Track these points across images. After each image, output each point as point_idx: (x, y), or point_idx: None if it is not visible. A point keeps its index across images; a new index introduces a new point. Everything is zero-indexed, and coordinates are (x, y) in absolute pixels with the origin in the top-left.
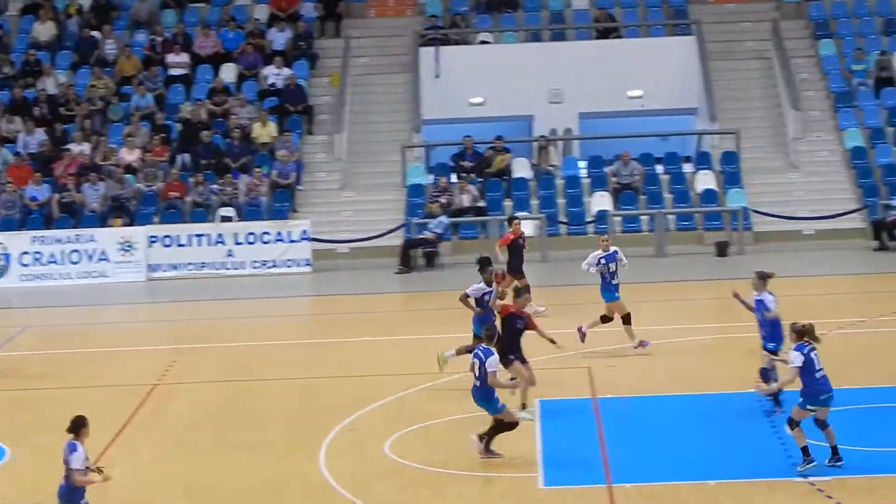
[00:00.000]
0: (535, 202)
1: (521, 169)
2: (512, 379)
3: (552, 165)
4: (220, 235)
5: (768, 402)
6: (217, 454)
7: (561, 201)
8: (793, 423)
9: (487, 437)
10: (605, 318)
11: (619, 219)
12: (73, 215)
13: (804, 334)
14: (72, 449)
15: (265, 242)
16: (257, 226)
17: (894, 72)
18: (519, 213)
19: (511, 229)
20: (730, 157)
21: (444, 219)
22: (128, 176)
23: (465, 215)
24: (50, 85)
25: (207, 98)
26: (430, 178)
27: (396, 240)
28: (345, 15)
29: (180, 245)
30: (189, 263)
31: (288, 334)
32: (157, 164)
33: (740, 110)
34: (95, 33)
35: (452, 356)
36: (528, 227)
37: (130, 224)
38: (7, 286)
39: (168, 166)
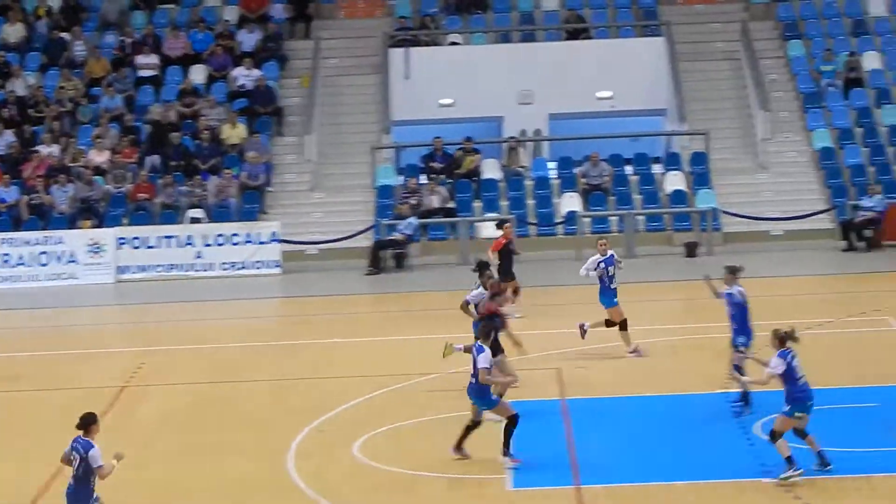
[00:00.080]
0: (504, 203)
1: (491, 170)
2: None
3: (522, 166)
4: (189, 237)
5: (737, 405)
6: (185, 456)
7: (530, 202)
8: (776, 435)
9: (505, 440)
10: (610, 323)
11: (588, 220)
12: (42, 217)
13: (786, 340)
14: (87, 447)
15: (234, 244)
16: (226, 227)
17: (863, 73)
18: (489, 215)
19: (502, 233)
20: (699, 158)
21: (413, 220)
22: (97, 177)
23: (435, 216)
24: (19, 86)
25: (177, 99)
26: (401, 180)
27: (366, 241)
28: (315, 16)
29: (149, 247)
30: (158, 265)
31: (257, 336)
32: (126, 165)
33: (709, 111)
34: (65, 35)
35: (460, 350)
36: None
37: (99, 226)
38: None
39: (137, 168)
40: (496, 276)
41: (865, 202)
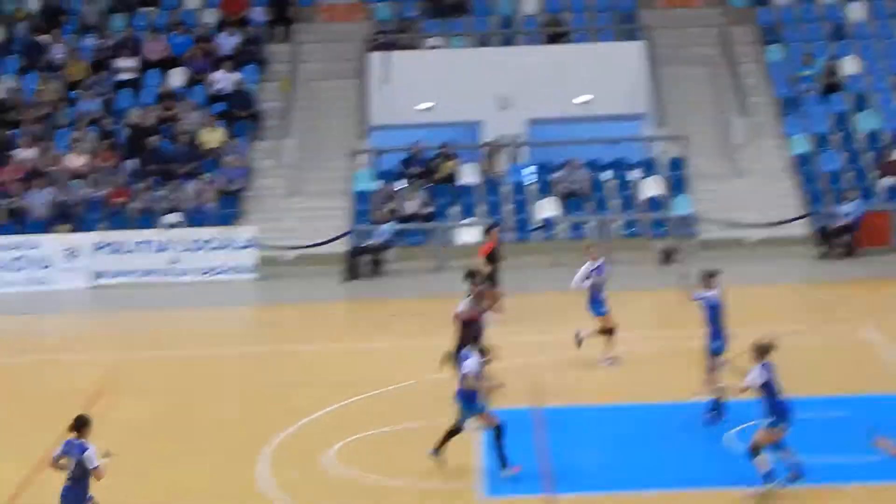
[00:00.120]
0: (481, 208)
1: (470, 175)
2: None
3: (499, 172)
4: (165, 242)
5: (710, 414)
6: (157, 462)
7: (508, 207)
8: (757, 449)
9: (498, 452)
10: (605, 331)
11: (565, 225)
12: (19, 221)
13: (767, 352)
14: (83, 449)
15: (211, 249)
16: (203, 232)
17: (842, 77)
18: (465, 220)
19: (489, 238)
20: (677, 163)
21: (390, 225)
22: (74, 181)
23: (412, 222)
24: None
25: (156, 103)
26: (379, 185)
27: (343, 246)
28: (294, 20)
29: (126, 252)
30: (134, 270)
31: (233, 342)
32: (104, 169)
33: (688, 116)
34: (44, 38)
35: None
36: (474, 234)
37: (76, 230)
38: None
39: (115, 172)
40: (487, 281)
41: (842, 208)
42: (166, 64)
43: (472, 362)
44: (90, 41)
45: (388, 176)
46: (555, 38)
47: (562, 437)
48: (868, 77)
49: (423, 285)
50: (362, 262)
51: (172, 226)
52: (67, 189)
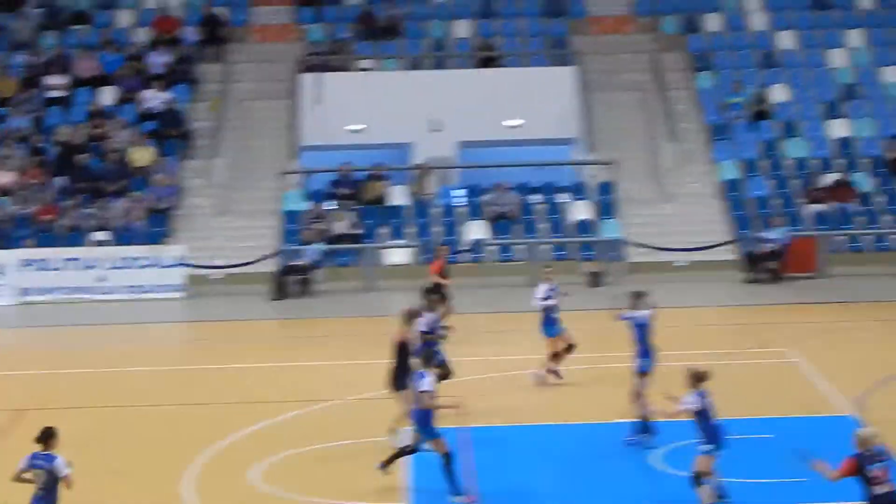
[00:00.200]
0: (411, 230)
1: (400, 197)
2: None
3: (429, 194)
4: (93, 260)
5: (636, 436)
6: (80, 480)
7: (437, 229)
8: (700, 477)
9: (450, 481)
10: (568, 348)
11: (493, 248)
12: None
13: (702, 380)
14: (51, 459)
15: (140, 267)
16: (131, 250)
17: (771, 105)
18: (393, 241)
19: (438, 256)
20: (606, 188)
21: (319, 246)
22: (2, 198)
23: (341, 242)
24: None
25: (86, 121)
26: (309, 205)
27: (272, 266)
28: (226, 39)
29: (53, 269)
30: (62, 288)
31: (159, 360)
32: (32, 186)
33: (618, 141)
34: None
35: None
36: (403, 255)
37: (3, 247)
38: None
39: (44, 189)
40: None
41: (769, 234)
42: (97, 82)
43: (428, 381)
44: (21, 58)
45: (318, 196)
46: (486, 62)
47: (489, 457)
48: (797, 105)
49: (352, 306)
50: (291, 281)
51: (101, 243)
52: None
